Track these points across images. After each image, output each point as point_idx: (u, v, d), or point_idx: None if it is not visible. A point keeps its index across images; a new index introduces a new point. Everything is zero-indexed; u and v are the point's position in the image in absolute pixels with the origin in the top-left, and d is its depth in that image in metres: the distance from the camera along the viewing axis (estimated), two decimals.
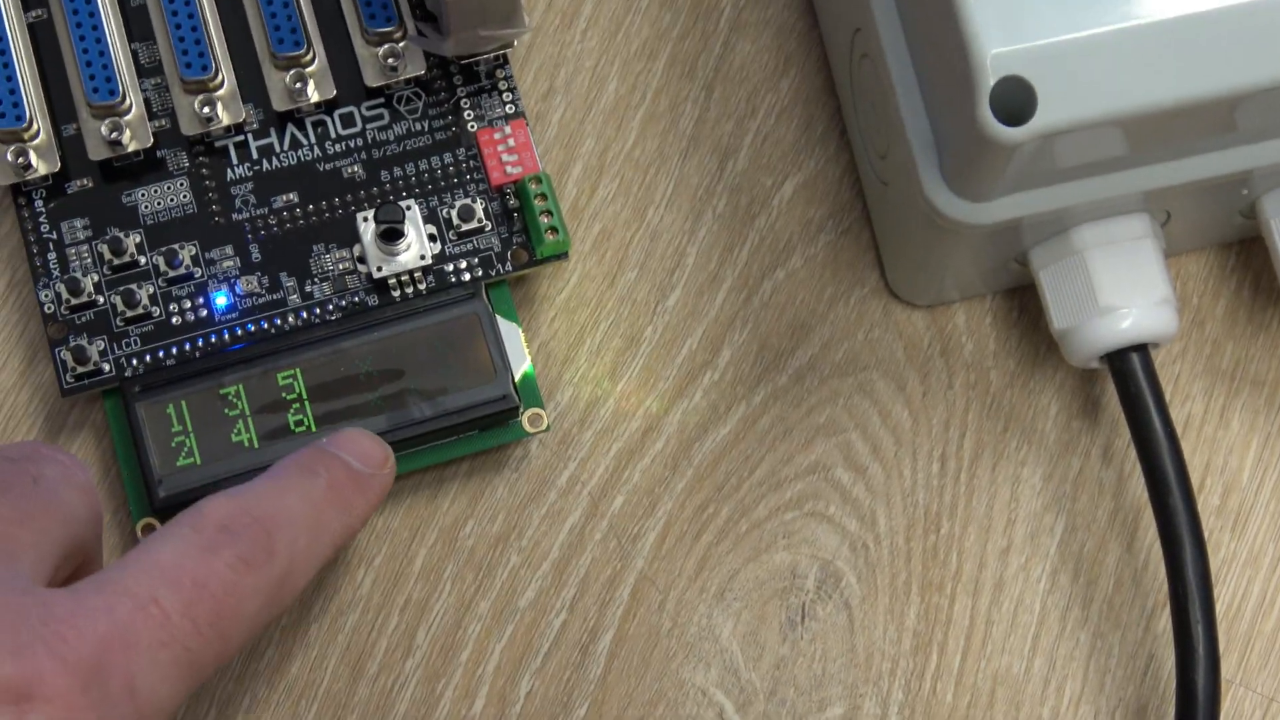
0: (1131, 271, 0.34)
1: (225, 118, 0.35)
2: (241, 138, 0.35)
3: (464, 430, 0.35)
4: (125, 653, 0.26)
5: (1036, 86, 0.28)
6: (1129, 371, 0.33)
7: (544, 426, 0.35)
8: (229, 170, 0.35)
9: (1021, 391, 0.37)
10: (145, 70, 0.35)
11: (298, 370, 0.34)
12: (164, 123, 0.35)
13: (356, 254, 0.35)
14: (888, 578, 0.35)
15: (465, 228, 0.35)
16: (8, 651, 0.24)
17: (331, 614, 0.35)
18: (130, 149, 0.34)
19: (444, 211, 0.35)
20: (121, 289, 0.34)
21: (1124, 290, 0.33)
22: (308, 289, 0.35)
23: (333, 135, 0.35)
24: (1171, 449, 0.33)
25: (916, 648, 0.35)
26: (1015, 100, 0.28)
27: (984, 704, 0.35)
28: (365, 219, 0.34)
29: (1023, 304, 0.37)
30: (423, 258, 0.35)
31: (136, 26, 0.35)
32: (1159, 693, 0.35)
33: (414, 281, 0.35)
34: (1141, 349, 0.33)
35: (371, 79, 0.35)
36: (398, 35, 0.35)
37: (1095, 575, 0.36)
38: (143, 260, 0.34)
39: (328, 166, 0.35)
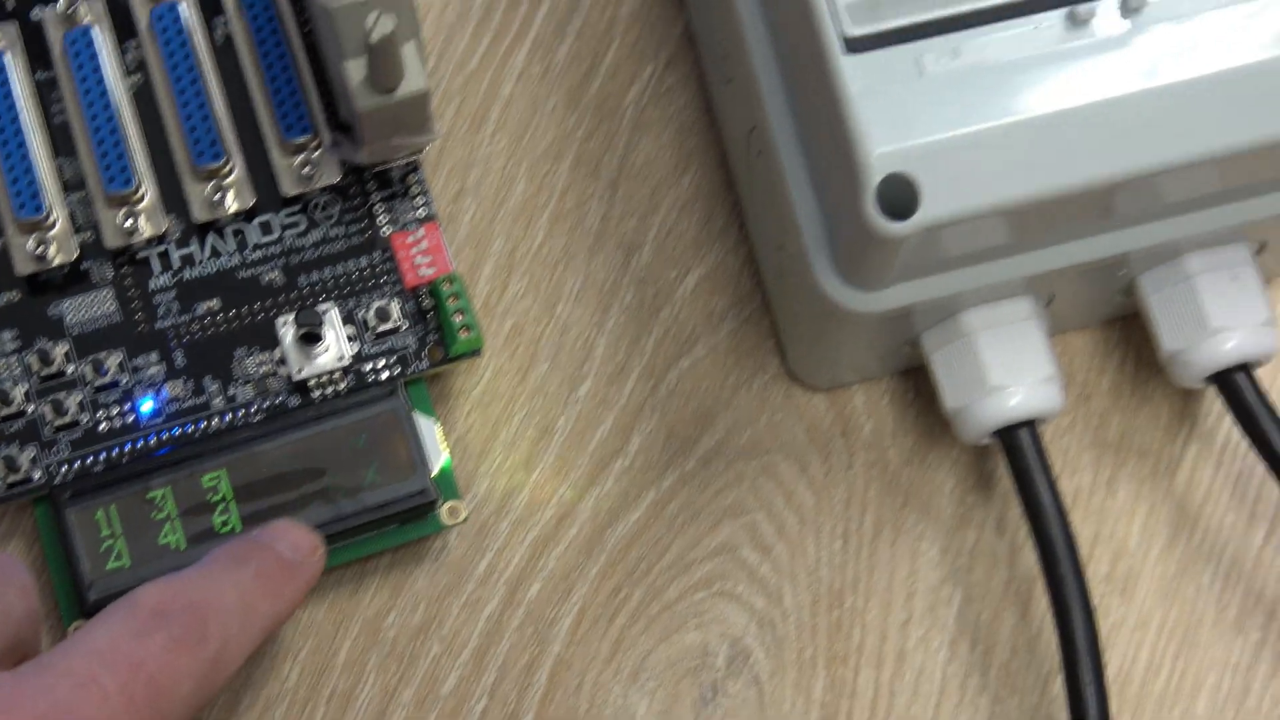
0: (1018, 351, 0.34)
1: (148, 229, 0.35)
2: (163, 248, 0.35)
3: (385, 525, 0.35)
4: None
5: (919, 183, 0.29)
6: (1018, 447, 0.34)
7: (462, 518, 0.35)
8: (151, 280, 0.35)
9: (919, 468, 0.37)
10: (69, 185, 0.35)
11: (223, 471, 0.34)
12: (88, 235, 0.35)
13: (277, 357, 0.35)
14: (794, 653, 0.35)
15: (382, 328, 0.35)
16: None
17: (260, 706, 0.35)
18: (56, 263, 0.34)
19: (361, 313, 0.35)
20: (50, 398, 0.34)
21: (1011, 370, 0.34)
22: (231, 392, 0.35)
23: (251, 243, 0.36)
24: (1060, 520, 0.34)
25: (826, 713, 0.35)
26: (899, 196, 0.29)
27: None
28: (285, 323, 0.35)
29: (917, 385, 0.37)
30: (341, 359, 0.35)
31: (60, 142, 0.36)
32: None
33: (334, 382, 0.35)
34: (1030, 425, 0.34)
35: (289, 188, 0.35)
36: (313, 145, 0.35)
37: (992, 643, 0.36)
38: (70, 369, 0.34)
39: (247, 273, 0.35)
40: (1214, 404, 0.38)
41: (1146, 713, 0.36)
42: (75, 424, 0.34)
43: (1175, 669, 0.36)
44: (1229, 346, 0.34)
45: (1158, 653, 0.37)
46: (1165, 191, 0.32)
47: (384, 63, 0.32)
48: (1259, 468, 0.36)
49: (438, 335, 0.35)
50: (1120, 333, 0.38)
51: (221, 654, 0.29)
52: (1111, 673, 0.35)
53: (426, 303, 0.36)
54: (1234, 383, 0.34)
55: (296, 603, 0.32)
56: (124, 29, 0.36)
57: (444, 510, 0.35)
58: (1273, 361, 0.35)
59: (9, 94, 0.35)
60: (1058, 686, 0.35)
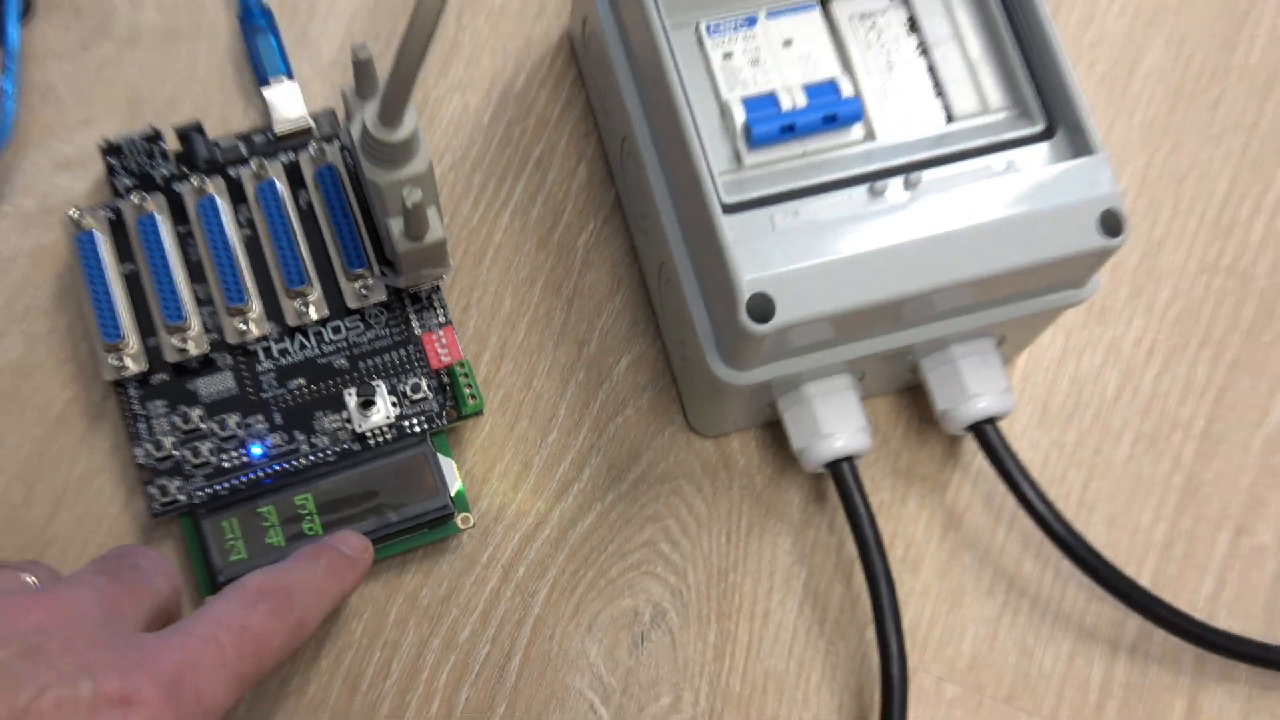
0: (840, 410, 0.36)
1: (255, 332, 0.37)
2: (266, 344, 0.37)
3: (418, 530, 0.37)
4: (194, 672, 0.27)
5: (775, 298, 0.31)
6: (841, 475, 0.36)
7: (470, 525, 0.37)
8: (258, 365, 0.37)
9: (776, 489, 0.39)
10: (201, 302, 0.37)
11: (309, 495, 0.36)
12: (214, 336, 0.37)
13: (345, 417, 0.37)
14: (695, 612, 0.38)
15: (415, 397, 0.37)
16: (116, 673, 0.26)
17: (335, 654, 0.37)
18: (193, 354, 0.36)
19: (400, 387, 0.37)
20: (190, 445, 0.36)
21: (836, 422, 0.36)
22: (313, 441, 0.37)
23: (326, 340, 0.38)
24: (870, 523, 0.36)
25: (715, 656, 0.37)
26: (762, 308, 0.31)
27: (760, 692, 0.37)
28: (349, 394, 0.37)
29: (774, 432, 0.39)
30: (388, 418, 0.37)
31: (194, 274, 0.37)
32: (871, 680, 0.38)
33: (383, 433, 0.37)
34: (849, 459, 0.36)
35: (351, 303, 0.37)
36: (368, 275, 0.37)
37: (826, 605, 0.38)
38: (203, 426, 0.36)
39: (324, 360, 0.37)
40: (971, 445, 0.40)
41: (929, 652, 0.38)
42: (207, 463, 0.36)
43: (948, 622, 0.39)
44: (980, 406, 0.36)
45: (936, 611, 0.39)
46: (934, 304, 0.34)
47: (415, 221, 0.34)
48: (1000, 487, 0.39)
49: (453, 402, 0.37)
50: (909, 397, 0.40)
51: (303, 621, 0.31)
52: (906, 624, 0.37)
53: (445, 380, 0.38)
54: (984, 431, 0.37)
55: (354, 586, 0.35)
56: (237, 197, 0.38)
57: (458, 519, 0.37)
58: (1009, 417, 0.38)
59: (159, 242, 0.37)
60: (871, 634, 0.37)
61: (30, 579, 0.30)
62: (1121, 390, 0.42)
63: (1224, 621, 0.39)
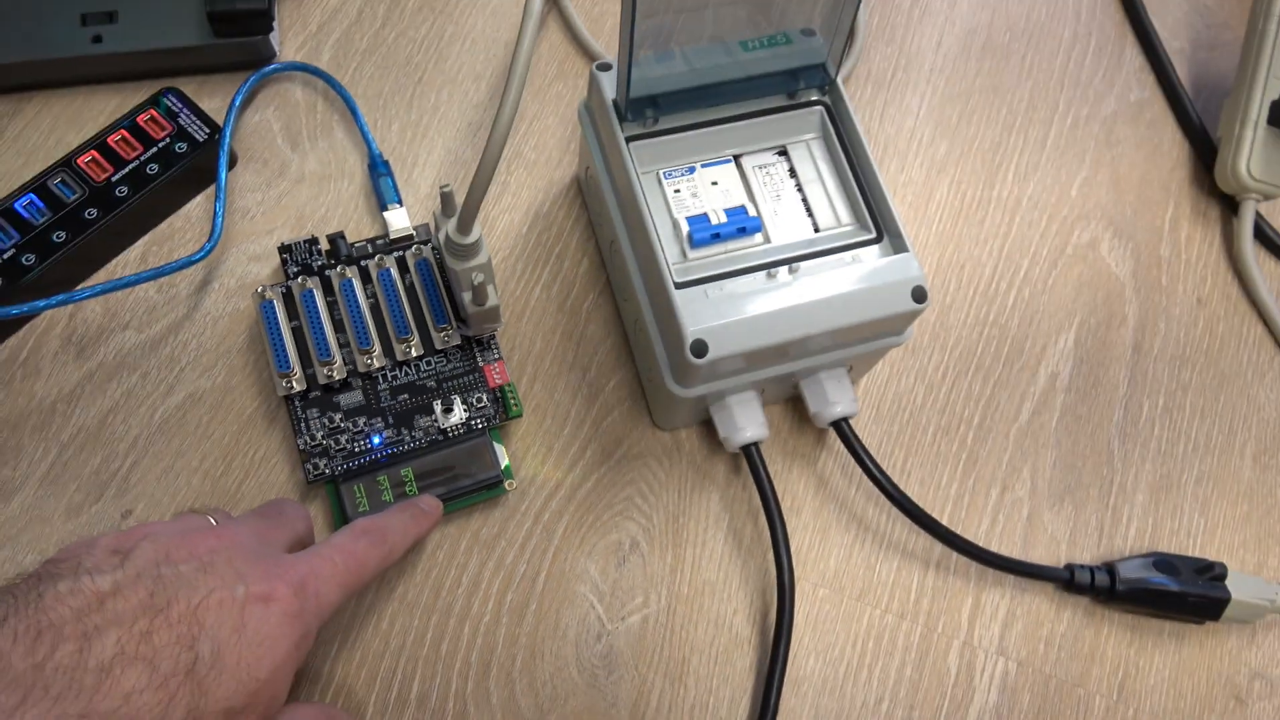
0: (749, 412, 0.36)
1: (376, 364, 0.37)
2: (384, 372, 0.37)
3: (480, 490, 0.36)
4: (315, 579, 0.28)
5: (708, 342, 0.31)
6: (750, 454, 0.36)
7: (513, 488, 0.37)
8: (379, 386, 0.37)
9: (709, 463, 0.38)
10: (342, 345, 0.37)
11: (410, 469, 0.36)
12: (350, 366, 0.37)
13: (433, 419, 0.37)
14: (658, 543, 0.37)
15: (478, 406, 0.37)
16: (261, 579, 0.26)
17: (424, 570, 0.36)
18: (336, 379, 0.36)
19: (469, 399, 0.37)
20: (333, 437, 0.36)
21: (746, 420, 0.36)
22: (413, 434, 0.36)
23: (421, 369, 0.37)
24: (769, 484, 0.36)
25: (671, 571, 0.37)
26: (700, 347, 0.31)
27: (700, 593, 0.37)
28: (436, 404, 0.37)
29: (708, 428, 0.39)
30: (461, 419, 0.37)
31: (338, 328, 0.37)
32: (770, 584, 0.37)
33: (457, 430, 0.36)
34: (755, 444, 0.36)
35: (438, 345, 0.37)
36: (449, 328, 0.37)
37: (742, 537, 0.37)
38: (343, 425, 0.36)
39: (420, 382, 0.37)
40: (832, 435, 0.39)
41: (807, 566, 0.38)
42: (345, 448, 0.36)
43: (819, 548, 0.38)
44: (837, 410, 0.36)
45: (812, 540, 0.38)
46: (808, 346, 0.34)
47: (479, 294, 0.34)
48: (851, 461, 0.39)
49: (503, 409, 0.37)
50: (792, 405, 0.40)
51: (391, 552, 0.31)
52: (794, 548, 0.38)
53: (498, 395, 0.37)
54: (840, 426, 0.36)
55: (428, 531, 0.34)
56: (365, 279, 0.38)
57: (506, 484, 0.37)
58: (856, 417, 0.37)
59: (315, 307, 0.37)
60: (770, 555, 0.37)
61: (211, 519, 0.29)
62: (926, 399, 0.42)
63: (995, 546, 0.39)
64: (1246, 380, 0.44)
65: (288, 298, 0.38)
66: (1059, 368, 0.43)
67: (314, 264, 0.39)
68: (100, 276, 0.39)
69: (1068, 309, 0.44)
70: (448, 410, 0.37)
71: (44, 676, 0.21)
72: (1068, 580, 0.38)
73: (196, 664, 0.23)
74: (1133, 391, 0.43)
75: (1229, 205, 0.48)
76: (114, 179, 0.39)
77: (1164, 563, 0.38)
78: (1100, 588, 0.37)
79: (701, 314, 0.32)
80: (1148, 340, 0.44)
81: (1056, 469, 0.41)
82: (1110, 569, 0.38)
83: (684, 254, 0.34)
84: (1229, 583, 0.37)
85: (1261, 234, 0.47)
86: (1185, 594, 0.37)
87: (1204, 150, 0.49)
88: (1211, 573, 0.37)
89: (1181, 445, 0.42)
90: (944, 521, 0.38)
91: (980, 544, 0.38)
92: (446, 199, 0.33)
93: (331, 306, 0.38)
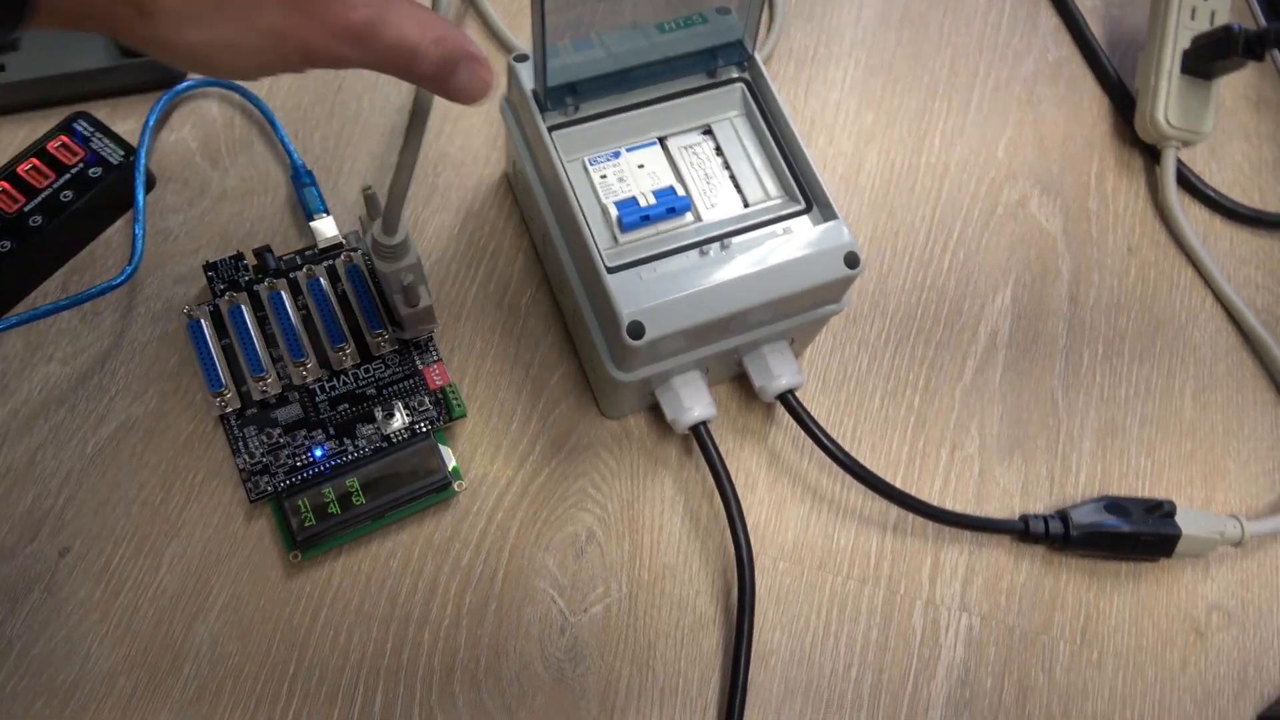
0: (694, 393, 0.36)
1: (312, 376, 0.36)
2: (320, 383, 0.36)
3: (429, 494, 0.36)
4: None
5: (644, 323, 0.31)
6: (700, 434, 0.36)
7: (463, 489, 0.37)
8: (317, 398, 0.36)
9: (659, 447, 0.38)
10: (275, 359, 0.36)
11: (355, 478, 0.35)
12: (286, 380, 0.36)
13: (375, 426, 0.36)
14: (615, 531, 0.37)
15: (420, 409, 0.36)
16: None
17: (379, 580, 0.35)
18: (272, 394, 0.36)
19: (411, 403, 0.36)
20: (272, 453, 0.35)
21: (692, 400, 0.36)
22: (356, 443, 0.36)
23: (360, 377, 0.37)
24: (721, 463, 0.36)
25: (630, 558, 0.36)
26: (637, 329, 0.31)
27: (660, 578, 0.36)
28: (378, 411, 0.36)
29: (655, 413, 0.38)
30: (404, 425, 0.36)
31: (270, 341, 0.36)
32: (731, 562, 0.37)
33: (401, 435, 0.36)
34: (704, 424, 0.36)
35: (374, 352, 0.37)
36: (385, 333, 0.37)
37: (698, 517, 0.37)
38: (282, 440, 0.35)
39: (359, 390, 0.36)
40: (780, 409, 0.39)
41: (766, 541, 0.38)
42: (286, 464, 0.35)
43: (776, 522, 0.38)
44: (783, 383, 0.36)
45: (768, 515, 0.38)
46: (747, 320, 0.34)
47: (410, 294, 0.34)
48: (801, 433, 0.39)
49: (446, 409, 0.37)
50: (739, 382, 0.40)
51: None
52: (750, 525, 0.37)
53: (440, 397, 0.37)
54: (787, 399, 0.37)
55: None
56: (296, 291, 0.38)
57: (455, 485, 0.36)
58: (802, 388, 0.37)
59: (245, 322, 0.37)
60: (728, 533, 0.37)
61: None
62: (870, 365, 0.42)
63: (950, 504, 0.40)
64: (1180, 323, 0.45)
65: (216, 316, 0.37)
66: (998, 325, 0.43)
67: (241, 280, 0.38)
68: (20, 310, 0.38)
69: (1002, 267, 0.45)
70: (389, 416, 0.37)
71: None
72: (1023, 531, 0.38)
73: None
74: (1072, 342, 0.43)
75: (1151, 155, 0.49)
76: (26, 209, 0.38)
77: (1115, 505, 0.38)
78: (1055, 535, 0.38)
79: (636, 296, 0.32)
80: (1083, 291, 0.45)
81: (1004, 424, 0.41)
82: (1064, 516, 0.38)
83: (615, 239, 0.34)
84: (1179, 519, 0.38)
85: (1184, 180, 0.48)
86: (1137, 534, 0.37)
87: (1123, 103, 0.50)
88: (1161, 511, 0.38)
89: (1123, 390, 0.43)
90: (898, 484, 0.39)
91: (935, 503, 0.38)
92: (370, 201, 0.33)
93: (262, 321, 0.37)
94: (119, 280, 0.36)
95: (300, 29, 0.20)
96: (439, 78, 0.23)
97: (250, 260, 0.39)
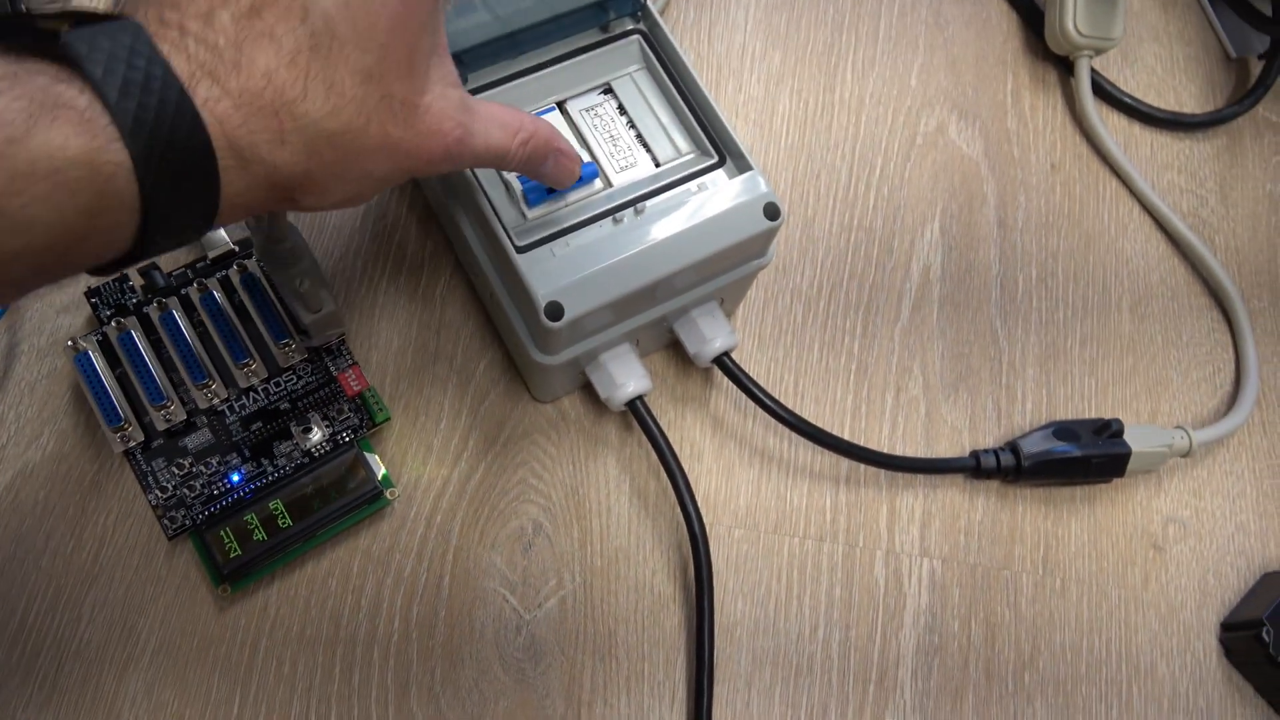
0: (626, 367, 0.35)
1: (219, 396, 0.34)
2: (229, 403, 0.34)
3: (361, 506, 0.34)
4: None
5: (563, 303, 0.30)
6: (637, 409, 0.35)
7: (397, 496, 0.35)
8: (227, 419, 0.34)
9: (598, 427, 0.37)
10: (176, 384, 0.34)
11: (279, 500, 0.33)
12: (190, 405, 0.34)
13: (294, 442, 0.34)
14: (561, 520, 0.36)
15: (340, 419, 0.35)
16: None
17: (320, 601, 0.34)
18: (177, 420, 0.34)
19: (329, 413, 0.35)
20: (187, 484, 0.33)
21: (625, 376, 0.34)
22: (275, 463, 0.34)
23: (270, 392, 0.35)
24: (662, 436, 0.35)
25: (580, 546, 0.36)
26: (555, 310, 0.30)
27: (614, 562, 0.35)
28: (294, 426, 0.35)
29: (589, 392, 0.36)
30: (325, 437, 0.35)
31: (167, 365, 0.34)
32: (684, 537, 0.36)
33: (322, 448, 0.34)
34: (640, 398, 0.35)
35: (282, 364, 0.35)
36: (291, 343, 0.35)
37: (646, 495, 0.36)
38: (194, 469, 0.34)
39: (272, 406, 0.35)
40: (718, 373, 0.37)
41: (718, 510, 0.37)
42: (201, 494, 0.33)
43: (726, 488, 0.37)
44: (716, 345, 0.35)
45: (718, 483, 0.37)
46: (672, 285, 0.33)
47: (310, 300, 0.33)
48: (742, 395, 0.37)
49: (367, 415, 0.35)
50: (672, 351, 0.39)
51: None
52: (699, 496, 0.36)
53: (360, 402, 0.35)
54: (723, 361, 0.35)
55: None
56: (189, 308, 0.35)
57: (387, 494, 0.35)
58: (737, 349, 0.37)
59: (138, 349, 0.34)
60: (678, 508, 0.35)
61: None
62: (805, 317, 0.41)
63: (900, 449, 0.39)
64: (1111, 236, 0.45)
65: (105, 345, 0.34)
66: (930, 259, 0.42)
67: (129, 303, 0.35)
68: None
69: (928, 199, 0.44)
70: (306, 430, 0.35)
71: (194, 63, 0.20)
72: (974, 467, 0.38)
73: (314, 37, 0.21)
74: (1005, 268, 0.43)
75: (1065, 67, 0.48)
76: None
77: (1063, 430, 0.38)
78: (1007, 468, 0.38)
79: (550, 275, 0.31)
80: (1010, 215, 0.44)
81: (945, 360, 0.41)
82: (1014, 447, 0.38)
83: (523, 215, 0.33)
84: (1127, 437, 0.38)
85: (1100, 89, 0.47)
86: (1088, 457, 0.37)
87: (1032, 17, 0.49)
88: (1109, 431, 0.38)
89: (1061, 311, 0.42)
90: (845, 436, 0.38)
91: (884, 450, 0.38)
92: None
93: (157, 345, 0.35)
94: None
95: (404, 168, 0.24)
96: (528, 169, 0.28)
97: (137, 280, 0.36)
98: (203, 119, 0.19)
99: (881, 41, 0.47)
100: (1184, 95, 0.49)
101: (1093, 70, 0.47)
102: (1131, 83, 0.49)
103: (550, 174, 0.29)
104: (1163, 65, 0.49)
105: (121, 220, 0.19)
